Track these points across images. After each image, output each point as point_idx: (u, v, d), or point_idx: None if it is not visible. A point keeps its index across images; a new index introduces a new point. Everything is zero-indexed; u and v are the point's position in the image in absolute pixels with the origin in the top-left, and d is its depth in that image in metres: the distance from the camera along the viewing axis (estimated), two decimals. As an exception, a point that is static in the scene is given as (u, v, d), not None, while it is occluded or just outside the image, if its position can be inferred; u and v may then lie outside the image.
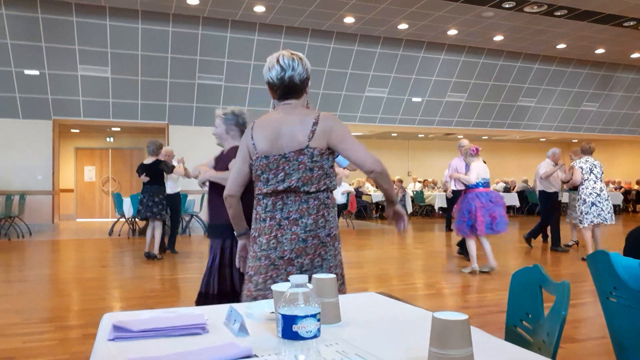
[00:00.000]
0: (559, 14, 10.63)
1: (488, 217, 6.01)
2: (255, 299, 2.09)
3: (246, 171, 2.21)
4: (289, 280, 2.27)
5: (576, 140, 18.43)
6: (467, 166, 6.40)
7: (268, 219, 2.12)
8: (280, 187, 2.08)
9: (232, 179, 2.23)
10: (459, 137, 17.41)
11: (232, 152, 3.11)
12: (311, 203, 2.10)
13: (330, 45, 12.18)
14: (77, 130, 14.39)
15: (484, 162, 6.40)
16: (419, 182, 17.37)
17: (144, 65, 11.21)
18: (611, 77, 15.52)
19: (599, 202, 7.12)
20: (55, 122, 11.44)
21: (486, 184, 6.19)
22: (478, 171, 6.13)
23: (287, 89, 2.12)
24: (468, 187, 6.24)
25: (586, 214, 7.15)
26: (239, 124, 3.17)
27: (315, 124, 2.08)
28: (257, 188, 2.16)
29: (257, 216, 2.17)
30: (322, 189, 2.12)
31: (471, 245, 6.27)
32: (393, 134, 16.76)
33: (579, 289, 5.27)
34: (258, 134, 2.13)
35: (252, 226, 2.22)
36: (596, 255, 1.93)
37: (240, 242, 2.40)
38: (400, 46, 12.76)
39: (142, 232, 11.13)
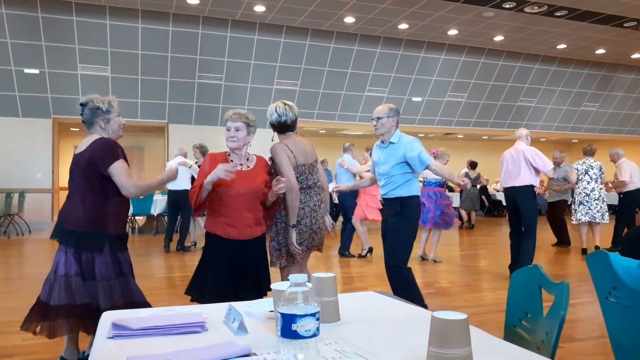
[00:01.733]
0: (559, 14, 10.63)
1: None
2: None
3: None
4: (322, 240, 3.26)
5: (576, 141, 18.42)
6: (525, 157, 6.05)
7: (305, 207, 3.15)
8: (310, 182, 3.19)
9: (295, 178, 3.07)
10: (459, 136, 17.42)
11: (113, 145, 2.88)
12: (323, 195, 3.31)
13: (331, 45, 12.17)
14: (77, 129, 14.37)
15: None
16: (420, 181, 17.39)
17: (143, 64, 11.20)
18: (611, 78, 15.51)
19: (587, 201, 7.66)
20: (55, 120, 11.43)
21: (429, 184, 7.09)
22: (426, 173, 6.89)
23: (284, 127, 3.22)
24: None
25: (574, 212, 7.80)
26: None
27: (313, 146, 3.32)
28: None
29: None
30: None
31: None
32: (393, 134, 16.73)
33: (578, 289, 5.28)
34: (295, 151, 3.14)
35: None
36: (595, 255, 1.93)
37: (294, 232, 3.09)
38: (401, 46, 12.75)
39: (141, 230, 11.12)
